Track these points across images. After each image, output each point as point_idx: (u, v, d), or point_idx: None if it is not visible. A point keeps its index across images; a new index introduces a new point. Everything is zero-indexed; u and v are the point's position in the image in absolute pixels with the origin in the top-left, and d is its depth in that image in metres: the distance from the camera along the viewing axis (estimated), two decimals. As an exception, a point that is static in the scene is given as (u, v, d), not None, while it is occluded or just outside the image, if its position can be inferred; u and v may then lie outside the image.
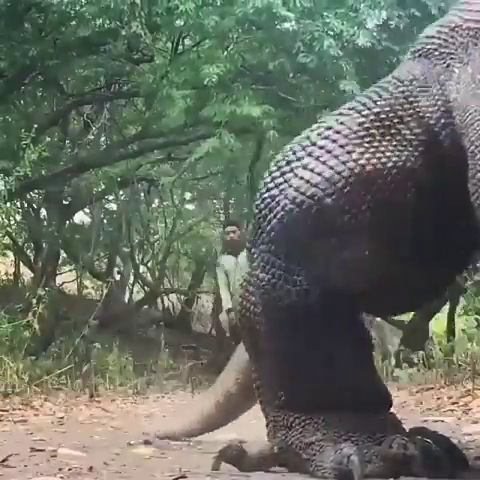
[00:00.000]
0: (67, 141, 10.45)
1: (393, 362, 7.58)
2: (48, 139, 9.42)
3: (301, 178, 1.84)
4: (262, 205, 1.91)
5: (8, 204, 6.86)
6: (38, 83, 9.05)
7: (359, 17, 7.52)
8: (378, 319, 8.09)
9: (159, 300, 13.35)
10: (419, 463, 1.73)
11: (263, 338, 1.95)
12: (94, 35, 7.85)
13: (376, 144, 1.82)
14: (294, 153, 1.91)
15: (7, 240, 8.30)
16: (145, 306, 13.48)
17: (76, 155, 9.54)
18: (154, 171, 11.79)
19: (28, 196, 10.90)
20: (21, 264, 12.27)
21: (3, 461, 2.26)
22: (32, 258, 11.67)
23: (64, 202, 10.81)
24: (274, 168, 1.93)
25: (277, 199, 1.87)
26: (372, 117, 1.84)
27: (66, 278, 12.27)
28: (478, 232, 1.75)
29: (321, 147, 1.85)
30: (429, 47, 1.90)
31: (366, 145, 1.82)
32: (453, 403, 4.66)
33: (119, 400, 6.15)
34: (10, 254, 11.12)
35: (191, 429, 3.03)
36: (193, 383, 8.27)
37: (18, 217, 10.75)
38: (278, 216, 1.86)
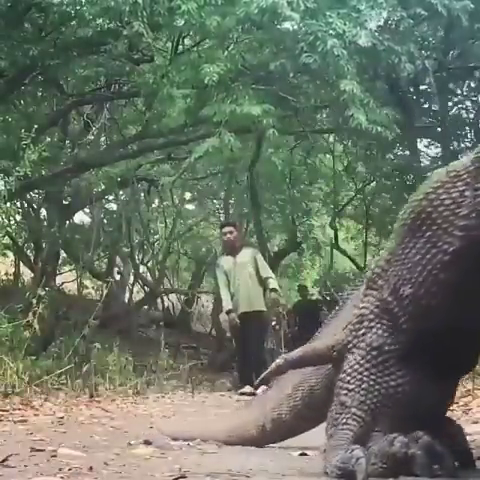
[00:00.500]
0: (67, 141, 10.46)
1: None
2: (48, 139, 9.42)
3: None
4: None
5: (8, 204, 6.84)
6: (38, 83, 9.05)
7: (361, 17, 7.52)
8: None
9: (159, 300, 13.32)
10: (420, 462, 1.73)
11: None
12: (94, 35, 7.85)
13: None
14: None
15: (7, 240, 8.27)
16: (145, 306, 13.47)
17: (76, 155, 9.54)
18: (154, 171, 11.79)
19: (28, 196, 10.92)
20: (21, 264, 12.28)
21: (3, 461, 2.26)
22: (32, 258, 11.68)
23: (64, 202, 10.83)
24: None
25: None
26: None
27: (66, 278, 12.27)
28: None
29: None
30: None
31: None
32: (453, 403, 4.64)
33: (119, 400, 6.13)
34: (10, 254, 11.11)
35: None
36: (193, 383, 8.26)
37: (18, 217, 10.76)
38: None
